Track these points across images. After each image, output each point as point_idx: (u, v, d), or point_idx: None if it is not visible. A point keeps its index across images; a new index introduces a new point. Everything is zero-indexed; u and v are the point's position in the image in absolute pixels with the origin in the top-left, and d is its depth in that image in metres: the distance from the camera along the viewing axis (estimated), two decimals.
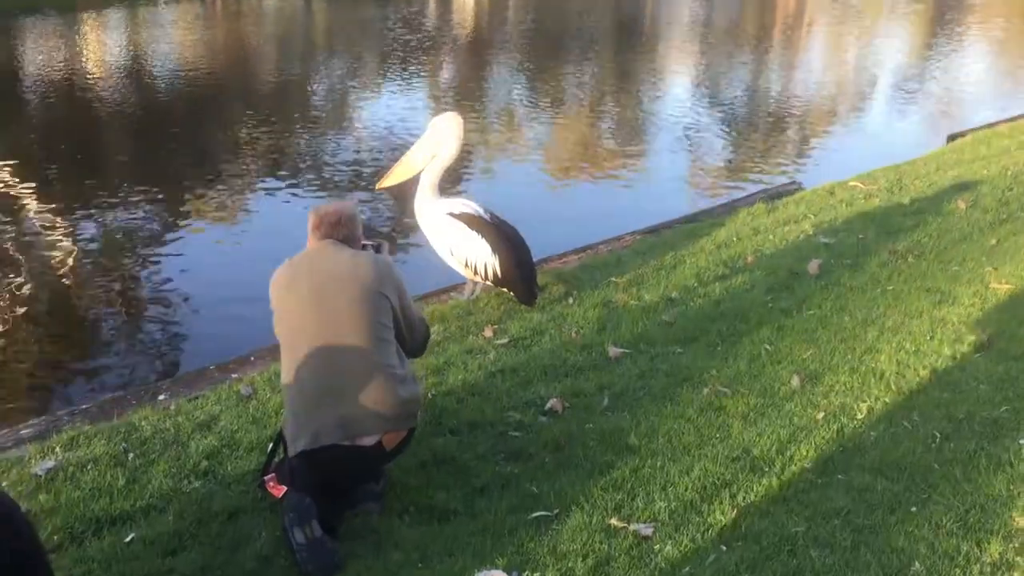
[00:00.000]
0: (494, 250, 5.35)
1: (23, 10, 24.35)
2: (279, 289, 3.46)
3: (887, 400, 4.15)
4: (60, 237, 8.67)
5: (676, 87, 17.10)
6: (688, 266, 6.25)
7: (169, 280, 7.71)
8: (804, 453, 3.72)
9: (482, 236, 5.36)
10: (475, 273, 5.47)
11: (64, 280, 7.79)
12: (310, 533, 3.14)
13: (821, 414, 4.04)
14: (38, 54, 19.41)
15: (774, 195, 8.26)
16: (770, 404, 4.20)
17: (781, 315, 5.31)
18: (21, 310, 7.12)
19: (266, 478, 3.57)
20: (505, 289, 5.55)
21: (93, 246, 8.53)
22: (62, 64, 17.98)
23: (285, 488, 3.42)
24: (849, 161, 10.74)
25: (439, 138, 5.42)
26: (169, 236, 8.75)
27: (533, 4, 31.64)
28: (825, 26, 27.98)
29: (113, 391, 4.96)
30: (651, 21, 28.98)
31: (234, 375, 4.79)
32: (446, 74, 18.88)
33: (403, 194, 5.69)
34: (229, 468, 3.80)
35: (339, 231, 3.55)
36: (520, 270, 5.40)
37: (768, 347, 4.86)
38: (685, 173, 11.23)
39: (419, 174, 5.56)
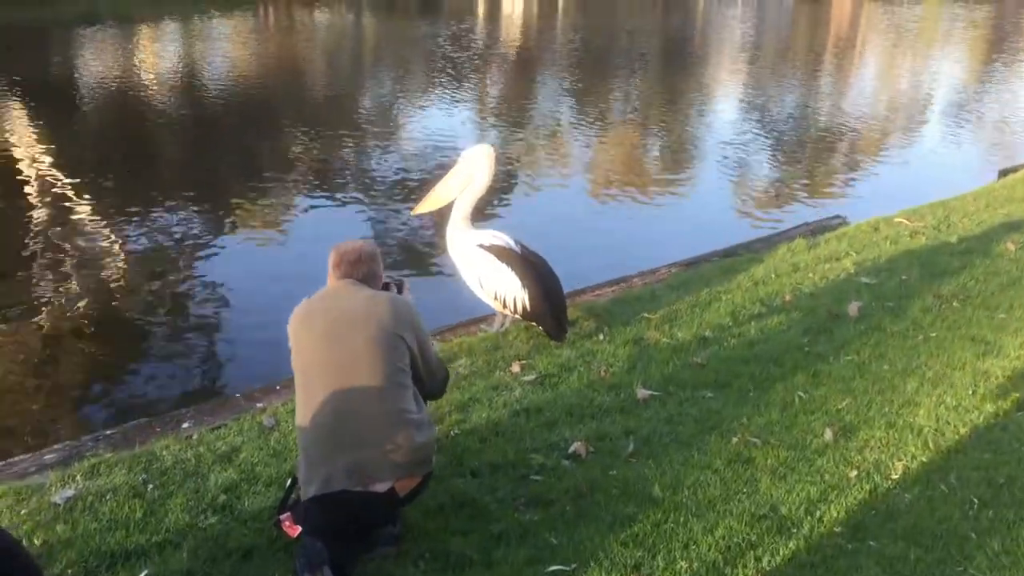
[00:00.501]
0: (523, 284, 5.28)
1: (82, 21, 24.97)
2: (295, 327, 3.42)
3: (924, 459, 4.01)
4: (106, 245, 8.82)
5: (722, 110, 16.98)
6: (724, 303, 6.13)
7: (208, 298, 7.78)
8: (834, 515, 3.60)
9: (512, 269, 5.29)
10: (504, 306, 5.41)
11: (105, 291, 7.88)
12: None
13: (854, 472, 3.90)
14: (95, 63, 19.83)
15: (816, 229, 8.09)
16: (801, 458, 4.07)
17: (817, 360, 5.17)
18: (59, 322, 7.20)
19: (282, 517, 3.51)
20: (534, 323, 5.47)
21: (137, 257, 8.65)
22: (117, 73, 18.35)
23: (300, 528, 3.37)
24: (896, 193, 10.57)
25: (471, 170, 5.37)
26: (213, 250, 8.86)
27: (582, 23, 31.69)
28: (878, 49, 27.67)
29: (140, 416, 4.94)
30: (700, 41, 28.85)
31: (259, 404, 4.75)
32: (492, 91, 18.99)
33: (445, 216, 5.66)
34: (247, 504, 3.75)
35: (359, 270, 3.49)
36: (549, 305, 5.32)
37: (802, 395, 4.73)
38: (728, 202, 11.12)
39: (452, 203, 5.52)
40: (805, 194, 11.31)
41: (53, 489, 3.78)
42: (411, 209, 5.83)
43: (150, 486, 3.84)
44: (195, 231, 9.42)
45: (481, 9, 35.43)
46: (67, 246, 8.70)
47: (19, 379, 6.39)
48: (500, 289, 5.36)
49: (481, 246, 5.39)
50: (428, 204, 5.66)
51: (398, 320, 3.36)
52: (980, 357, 5.09)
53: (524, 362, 5.19)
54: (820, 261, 7.00)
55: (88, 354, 6.89)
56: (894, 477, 3.86)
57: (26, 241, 8.84)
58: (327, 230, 9.48)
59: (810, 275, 6.67)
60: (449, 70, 20.18)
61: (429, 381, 3.60)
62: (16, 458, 4.19)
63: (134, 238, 9.07)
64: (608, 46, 26.00)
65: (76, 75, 18.52)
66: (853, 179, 12.28)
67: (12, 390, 6.23)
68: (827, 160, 13.41)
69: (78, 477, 3.87)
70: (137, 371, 6.60)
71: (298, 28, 27.87)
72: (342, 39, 27.21)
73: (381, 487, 3.24)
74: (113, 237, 9.00)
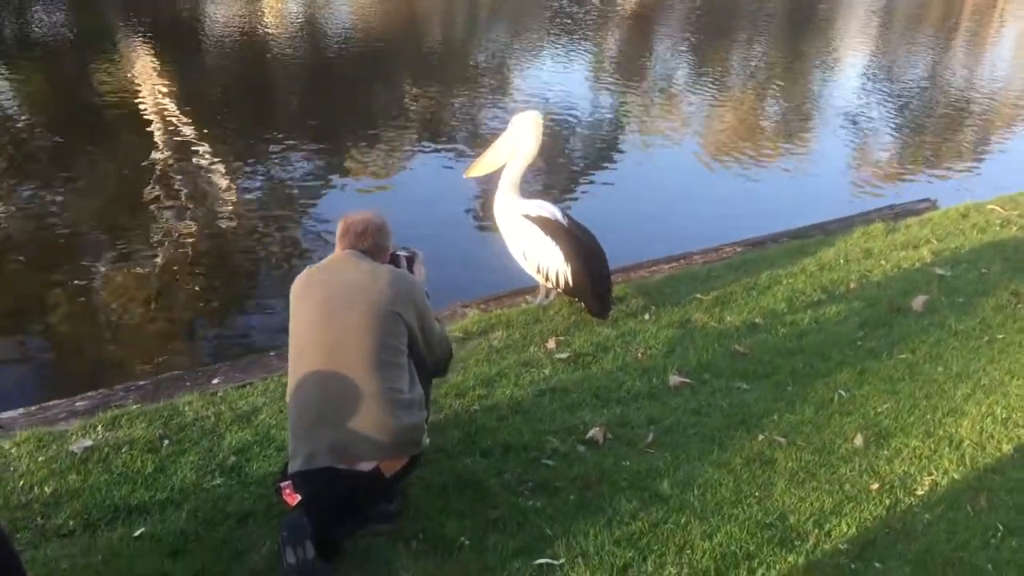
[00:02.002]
0: (567, 258, 5.17)
1: None
2: (294, 296, 3.40)
3: (956, 476, 3.77)
4: (221, 187, 9.21)
5: (840, 79, 16.39)
6: (783, 287, 5.89)
7: (310, 247, 7.97)
8: (844, 529, 3.42)
9: (556, 243, 5.18)
10: (547, 280, 5.31)
11: (214, 233, 8.23)
12: (301, 554, 3.08)
13: (876, 484, 3.71)
14: (220, 9, 20.32)
15: (900, 213, 7.67)
16: (824, 463, 3.89)
17: (867, 356, 4.92)
18: (165, 261, 7.51)
19: (282, 484, 3.54)
20: (576, 299, 5.37)
21: (250, 200, 9.00)
22: (241, 19, 18.79)
23: (299, 497, 3.40)
24: (1003, 177, 9.98)
25: (518, 136, 5.25)
26: (322, 198, 9.11)
27: None
28: (1020, 18, 25.93)
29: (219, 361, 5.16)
30: (829, 5, 27.54)
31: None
32: (608, 49, 18.81)
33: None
34: (255, 467, 3.81)
35: (364, 241, 3.44)
36: (592, 282, 5.20)
37: (842, 393, 4.51)
38: (826, 176, 10.75)
39: (502, 169, 5.42)
40: (904, 173, 10.82)
41: (73, 438, 3.91)
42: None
43: (166, 442, 3.93)
44: (308, 178, 9.70)
45: None
46: (183, 186, 9.09)
47: (110, 312, 6.71)
48: (543, 262, 5.26)
49: (527, 216, 5.30)
50: (479, 168, 5.59)
51: (397, 296, 3.30)
52: None
53: (560, 338, 5.10)
54: (896, 248, 6.65)
55: (184, 294, 7.16)
56: (919, 493, 3.65)
57: (144, 179, 9.23)
58: (434, 184, 9.69)
59: (882, 262, 6.35)
60: (565, 27, 19.98)
61: (431, 360, 3.55)
62: (50, 403, 4.34)
63: (248, 182, 9.45)
64: (732, 6, 25.15)
65: (200, 20, 19.02)
66: (961, 159, 11.65)
67: (100, 324, 6.55)
68: (941, 137, 12.74)
69: (99, 428, 3.99)
70: (229, 317, 6.86)
71: None
72: None
73: (365, 466, 3.22)
74: (228, 180, 9.39)
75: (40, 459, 3.76)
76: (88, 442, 3.88)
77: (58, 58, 15.43)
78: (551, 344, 5.02)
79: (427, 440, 3.46)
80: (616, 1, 25.20)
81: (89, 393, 4.46)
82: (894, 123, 13.50)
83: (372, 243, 3.46)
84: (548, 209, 5.33)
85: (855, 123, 13.25)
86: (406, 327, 3.32)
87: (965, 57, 19.66)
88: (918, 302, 5.54)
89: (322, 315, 3.26)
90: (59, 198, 8.54)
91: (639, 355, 4.92)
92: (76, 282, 6.93)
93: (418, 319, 3.38)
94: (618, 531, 3.44)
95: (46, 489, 3.56)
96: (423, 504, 3.60)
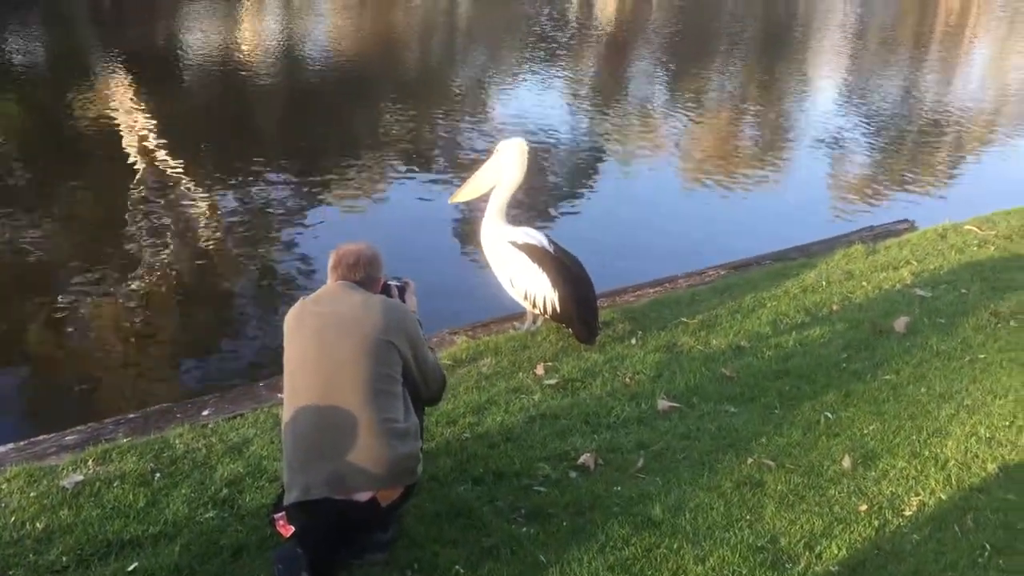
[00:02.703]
0: (554, 285, 5.21)
1: None
2: (288, 328, 3.42)
3: (943, 496, 3.83)
4: (200, 212, 9.28)
5: (814, 101, 16.61)
6: (767, 310, 5.96)
7: (291, 272, 8.04)
8: (835, 552, 3.46)
9: (543, 269, 5.23)
10: (534, 306, 5.35)
11: (194, 259, 8.28)
12: None
13: (865, 506, 3.75)
14: (197, 35, 20.40)
15: (880, 234, 7.78)
16: (813, 486, 3.93)
17: (852, 378, 4.98)
18: (145, 289, 7.53)
19: (276, 516, 3.54)
20: (564, 325, 5.40)
21: (230, 225, 9.07)
22: (219, 44, 18.88)
23: (293, 529, 3.40)
24: (979, 197, 10.15)
25: (503, 163, 5.31)
26: (302, 223, 9.19)
27: (680, 4, 31.13)
28: (989, 36, 26.41)
29: (207, 392, 5.15)
30: (802, 25, 27.96)
31: (279, 395, 4.80)
32: (585, 72, 19.02)
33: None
34: (248, 499, 3.81)
35: (356, 273, 3.47)
36: (579, 308, 5.24)
37: (829, 415, 4.57)
38: (801, 198, 10.93)
39: (489, 194, 5.47)
40: (882, 194, 10.97)
41: (64, 473, 3.90)
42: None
43: (157, 475, 3.92)
44: (288, 203, 9.78)
45: None
46: (165, 215, 9.12)
47: (96, 345, 6.70)
48: (530, 289, 5.30)
49: (513, 243, 5.34)
50: (464, 194, 5.65)
51: (389, 325, 3.33)
52: None
53: (549, 364, 5.13)
54: (876, 269, 6.74)
55: (170, 324, 7.19)
56: (907, 514, 3.70)
57: (125, 208, 9.26)
58: (419, 209, 9.74)
59: (863, 284, 6.43)
60: (543, 50, 20.22)
61: (425, 389, 3.59)
62: (40, 437, 4.32)
63: (231, 209, 9.51)
64: (706, 30, 25.48)
65: (179, 46, 19.08)
66: (935, 180, 11.83)
67: (86, 356, 6.53)
68: (914, 158, 12.93)
69: (90, 462, 3.98)
70: (212, 345, 6.85)
71: (394, 5, 28.12)
72: (438, 17, 27.35)
73: (362, 496, 3.23)
74: (210, 208, 9.43)
75: (31, 495, 3.74)
76: (79, 477, 3.87)
77: (34, 87, 15.41)
78: (540, 370, 5.05)
79: (421, 469, 3.48)
80: (596, 24, 25.52)
81: (78, 427, 4.45)
82: (871, 143, 13.69)
83: (364, 274, 3.49)
84: (534, 236, 5.38)
85: (833, 144, 13.43)
86: (400, 356, 3.35)
87: (939, 76, 19.98)
88: (900, 323, 5.62)
89: (316, 347, 3.29)
90: (39, 229, 8.53)
91: (627, 380, 4.96)
92: (60, 314, 6.92)
93: (411, 348, 3.41)
94: (611, 557, 3.46)
95: (38, 525, 3.54)
96: (417, 533, 3.61)
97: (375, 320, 3.32)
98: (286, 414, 3.34)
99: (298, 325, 3.39)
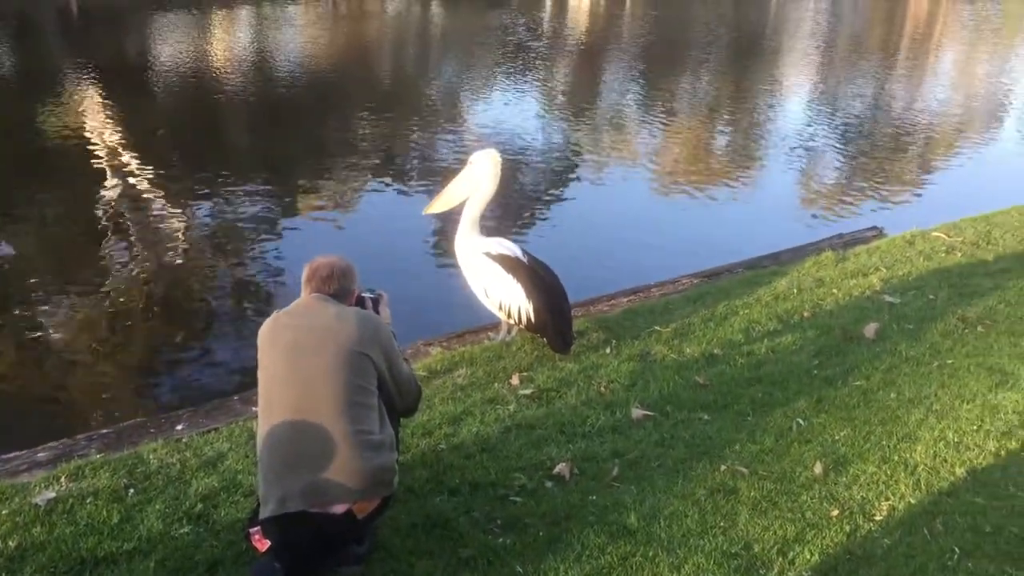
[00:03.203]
0: (528, 295, 5.24)
1: (156, 6, 25.62)
2: (262, 342, 3.42)
3: (912, 500, 3.88)
4: (172, 227, 9.27)
5: (783, 110, 16.77)
6: (739, 318, 6.01)
7: (264, 284, 8.03)
8: (807, 557, 3.50)
9: (517, 280, 5.25)
10: (509, 316, 5.38)
11: (166, 272, 8.26)
12: None
13: (836, 511, 3.80)
14: (167, 48, 20.35)
15: (849, 242, 7.87)
16: (786, 492, 3.98)
17: (823, 384, 5.04)
18: (117, 304, 7.48)
19: (252, 530, 3.54)
20: (538, 335, 5.43)
21: (202, 238, 9.05)
22: (189, 58, 18.85)
23: (269, 543, 3.39)
24: (947, 203, 10.32)
25: (477, 174, 5.33)
26: (275, 235, 9.16)
27: (652, 15, 31.39)
28: (955, 45, 26.81)
29: (181, 406, 5.13)
30: (771, 36, 28.27)
31: (254, 408, 4.79)
32: (558, 82, 19.17)
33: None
34: (223, 513, 3.80)
35: (329, 285, 3.48)
36: (553, 317, 5.27)
37: (801, 422, 4.62)
38: (772, 206, 11.01)
39: (462, 206, 5.49)
40: (850, 201, 11.08)
41: (36, 490, 3.87)
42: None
43: (131, 491, 3.90)
44: (260, 215, 9.75)
45: (549, 1, 35.35)
46: (134, 226, 9.11)
47: (68, 360, 6.65)
48: (505, 299, 5.33)
49: (488, 254, 5.36)
50: (438, 206, 5.66)
51: (363, 337, 3.34)
52: (993, 389, 4.91)
53: (524, 374, 5.16)
54: (846, 276, 6.82)
55: (141, 338, 7.13)
56: (877, 518, 3.75)
57: (95, 222, 9.22)
58: (393, 220, 9.73)
59: (834, 291, 6.51)
60: (517, 59, 20.33)
61: (401, 400, 3.60)
62: (11, 454, 4.29)
63: (202, 221, 9.51)
64: (677, 39, 25.70)
65: (149, 60, 19.02)
66: (903, 186, 11.97)
67: (59, 371, 6.48)
68: (882, 165, 13.06)
69: (62, 479, 3.95)
70: (184, 359, 6.79)
71: (367, 17, 28.21)
72: (410, 28, 27.46)
73: (338, 509, 3.24)
74: (182, 220, 9.43)
75: (3, 512, 3.71)
76: (52, 494, 3.84)
77: (3, 100, 15.29)
78: (515, 380, 5.07)
79: (397, 480, 3.48)
80: (565, 35, 25.66)
81: (51, 443, 4.42)
82: (840, 151, 13.85)
83: (338, 287, 3.50)
84: (508, 247, 5.40)
85: (803, 152, 13.59)
86: (374, 368, 3.36)
87: (906, 85, 20.25)
88: (870, 329, 5.69)
89: (290, 360, 3.30)
90: (8, 244, 8.45)
91: (602, 389, 4.99)
92: (30, 329, 6.86)
93: (386, 360, 3.43)
94: (588, 566, 3.48)
95: (10, 543, 3.51)
96: (393, 545, 3.62)
97: (349, 332, 3.33)
98: (261, 427, 3.34)
99: (272, 339, 3.39)
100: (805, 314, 6.08)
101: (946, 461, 4.19)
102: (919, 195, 11.56)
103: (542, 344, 5.48)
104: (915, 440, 4.39)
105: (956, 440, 4.37)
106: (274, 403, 3.30)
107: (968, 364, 5.27)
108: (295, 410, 3.24)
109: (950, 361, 5.32)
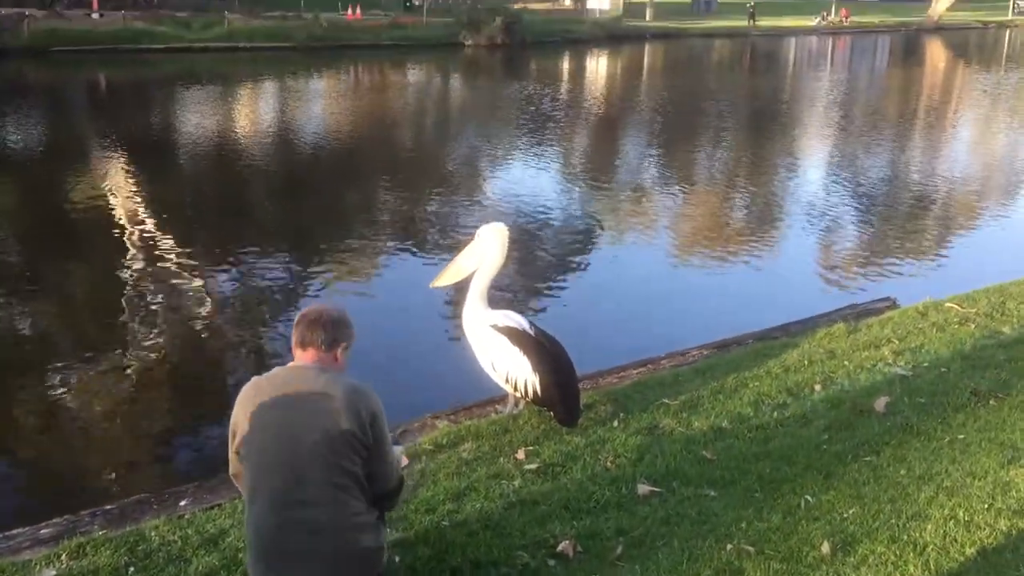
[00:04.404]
0: (535, 369, 5.24)
1: (181, 79, 26.34)
2: (241, 413, 3.32)
3: None
4: (195, 296, 9.38)
5: (799, 180, 16.94)
6: (749, 391, 5.98)
7: (275, 355, 8.10)
8: None
9: (524, 353, 5.26)
10: (516, 389, 5.37)
11: (186, 343, 8.37)
12: None
13: None
14: (191, 119, 20.83)
15: (862, 313, 7.84)
16: (792, 573, 3.90)
17: (833, 460, 4.98)
18: (134, 373, 7.55)
19: None
20: (546, 408, 5.42)
21: (217, 312, 9.19)
22: (212, 129, 19.28)
23: None
24: (960, 274, 10.31)
25: (484, 248, 5.38)
26: (290, 308, 9.25)
27: (668, 84, 31.85)
28: (969, 118, 26.91)
29: (189, 480, 5.14)
30: (787, 106, 28.52)
31: None
32: (575, 152, 19.44)
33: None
34: None
35: (317, 334, 3.33)
36: (560, 391, 5.26)
37: (809, 499, 4.55)
38: (782, 275, 11.01)
39: (470, 279, 5.53)
40: (864, 271, 11.08)
41: (37, 568, 3.88)
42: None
43: (131, 569, 3.90)
44: (280, 288, 9.94)
45: (566, 72, 35.99)
46: (154, 299, 9.27)
47: (78, 434, 6.69)
48: (512, 372, 5.33)
49: (495, 327, 5.39)
50: (444, 279, 5.70)
51: (353, 415, 3.25)
52: (1005, 466, 4.81)
53: (530, 448, 5.13)
54: (858, 348, 6.78)
55: (157, 410, 7.20)
56: None
57: (114, 292, 9.40)
58: (405, 291, 9.85)
59: (845, 363, 6.46)
60: (534, 132, 20.64)
61: (382, 480, 3.44)
62: (14, 531, 4.29)
63: (220, 291, 9.68)
64: (693, 109, 26.02)
65: (174, 131, 19.48)
66: (919, 258, 11.94)
67: (68, 445, 6.52)
68: (897, 236, 13.07)
69: (63, 556, 3.96)
70: (201, 432, 6.82)
71: (389, 88, 28.84)
72: (430, 99, 28.01)
73: None
74: (200, 291, 9.58)
75: None
76: (52, 572, 3.85)
77: (29, 169, 15.64)
78: (520, 455, 5.05)
79: (387, 556, 3.45)
80: (583, 106, 26.04)
81: (54, 520, 4.43)
82: (855, 221, 13.90)
83: (324, 335, 3.34)
84: (515, 319, 5.42)
85: (817, 222, 13.65)
86: (362, 446, 3.28)
87: (920, 155, 20.35)
88: (880, 403, 5.64)
89: (276, 440, 3.24)
90: (25, 312, 8.56)
91: (608, 463, 4.95)
92: (41, 402, 6.92)
93: (374, 438, 3.33)
94: None
95: None
96: None
97: (339, 410, 3.24)
98: (248, 511, 3.31)
99: (254, 414, 3.29)
100: (816, 387, 6.03)
101: (956, 541, 4.10)
102: (934, 265, 11.54)
103: (549, 417, 5.46)
104: (925, 519, 4.30)
105: (967, 519, 4.28)
106: (259, 485, 3.26)
107: (980, 439, 5.19)
108: (282, 493, 3.19)
109: (961, 436, 5.25)
